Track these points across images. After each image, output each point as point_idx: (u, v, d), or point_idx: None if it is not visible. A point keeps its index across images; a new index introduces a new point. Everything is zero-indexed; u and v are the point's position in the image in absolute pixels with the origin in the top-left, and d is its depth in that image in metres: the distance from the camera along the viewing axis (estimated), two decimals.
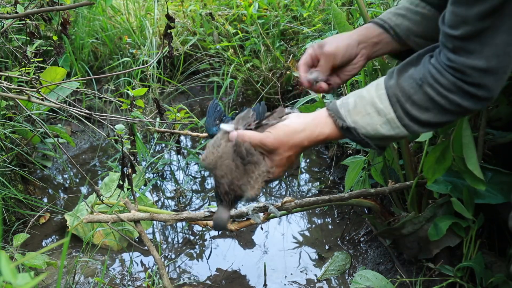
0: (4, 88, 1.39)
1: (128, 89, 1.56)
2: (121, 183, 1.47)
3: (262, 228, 1.78)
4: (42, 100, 1.40)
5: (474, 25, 0.72)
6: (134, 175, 1.54)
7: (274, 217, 1.32)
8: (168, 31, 1.37)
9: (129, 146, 1.44)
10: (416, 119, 0.78)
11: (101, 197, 1.48)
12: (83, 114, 1.41)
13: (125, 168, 1.44)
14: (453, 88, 0.75)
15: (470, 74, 0.74)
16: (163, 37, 1.39)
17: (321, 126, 0.86)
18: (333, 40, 1.00)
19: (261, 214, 1.32)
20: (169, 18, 1.35)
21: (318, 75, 1.00)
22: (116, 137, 1.40)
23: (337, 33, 1.89)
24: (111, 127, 1.44)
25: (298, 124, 0.87)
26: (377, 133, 0.82)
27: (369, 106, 0.82)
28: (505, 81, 0.76)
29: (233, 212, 1.30)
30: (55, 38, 1.56)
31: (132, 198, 1.45)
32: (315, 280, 1.54)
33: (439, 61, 0.77)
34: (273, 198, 1.99)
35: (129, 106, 1.47)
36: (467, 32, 0.73)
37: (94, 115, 1.41)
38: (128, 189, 1.49)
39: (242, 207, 1.32)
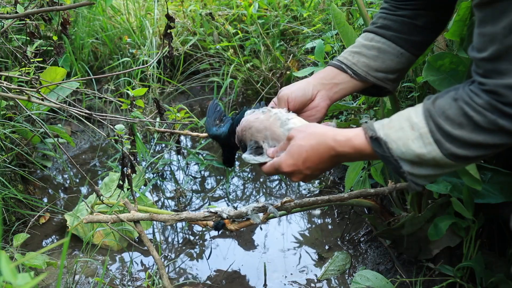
0: (4, 88, 1.39)
1: (128, 89, 1.56)
2: (121, 183, 1.47)
3: (261, 228, 1.78)
4: (42, 100, 1.40)
5: (502, 42, 0.69)
6: (134, 175, 1.54)
7: (273, 217, 1.32)
8: (168, 31, 1.37)
9: (129, 146, 1.44)
10: (448, 134, 0.73)
11: (101, 197, 1.48)
12: (83, 114, 1.41)
13: (125, 168, 1.44)
14: (489, 107, 0.70)
15: (504, 94, 0.69)
16: (163, 37, 1.39)
17: (352, 134, 0.83)
18: (289, 85, 1.02)
19: (261, 214, 1.32)
20: (169, 18, 1.35)
21: None
22: (116, 137, 1.40)
23: (337, 33, 1.89)
24: (111, 127, 1.44)
25: (327, 128, 0.88)
26: (408, 149, 0.76)
27: (403, 120, 0.78)
28: None
29: (232, 212, 1.30)
30: (55, 38, 1.56)
31: (132, 198, 1.46)
32: (315, 280, 1.54)
33: (474, 86, 0.74)
34: (272, 198, 2.00)
35: (129, 106, 1.47)
36: (496, 51, 0.70)
37: (94, 115, 1.41)
38: (128, 189, 1.49)
39: (241, 207, 1.33)
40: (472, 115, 0.71)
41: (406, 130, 0.76)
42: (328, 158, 0.86)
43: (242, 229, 1.42)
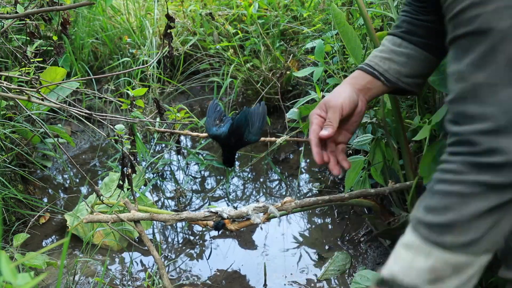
0: (4, 88, 1.39)
1: (128, 89, 1.57)
2: (121, 183, 1.47)
3: (261, 228, 1.78)
4: (42, 100, 1.40)
5: (468, 79, 0.64)
6: (134, 175, 1.54)
7: (274, 217, 1.32)
8: (168, 31, 1.37)
9: (129, 146, 1.44)
10: (440, 226, 0.64)
11: (101, 197, 1.48)
12: (83, 114, 1.41)
13: (125, 168, 1.44)
14: (464, 168, 0.63)
15: (478, 142, 0.62)
16: (163, 37, 1.39)
17: None
18: (335, 94, 1.00)
19: (261, 214, 1.32)
20: (169, 18, 1.35)
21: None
22: (116, 137, 1.40)
23: (337, 33, 1.89)
24: (111, 127, 1.44)
25: None
26: (416, 271, 0.65)
27: (398, 247, 0.69)
28: None
29: (233, 212, 1.30)
30: (55, 38, 1.56)
31: (132, 198, 1.46)
32: (315, 280, 1.54)
33: (443, 158, 0.67)
34: (273, 198, 1.99)
35: (129, 106, 1.47)
36: (462, 90, 0.65)
37: (94, 115, 1.41)
38: (128, 189, 1.49)
39: (242, 207, 1.32)
40: (452, 190, 0.64)
41: (403, 255, 0.68)
42: None
43: (242, 229, 1.42)
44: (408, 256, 0.66)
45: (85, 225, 1.69)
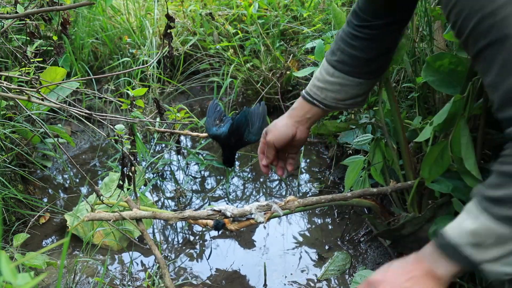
0: (4, 88, 1.39)
1: (128, 89, 1.57)
2: (121, 183, 1.47)
3: (265, 227, 1.78)
4: (42, 100, 1.40)
5: (501, 87, 0.68)
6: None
7: (276, 216, 1.32)
8: (168, 31, 1.37)
9: (129, 146, 1.44)
10: (492, 199, 0.71)
11: (101, 197, 1.48)
12: (83, 114, 1.41)
13: (125, 168, 1.44)
14: None
15: None
16: (163, 37, 1.39)
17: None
18: (272, 128, 1.16)
19: (264, 213, 1.31)
20: (169, 18, 1.35)
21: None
22: (116, 137, 1.40)
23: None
24: (111, 127, 1.44)
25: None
26: (462, 230, 0.74)
27: (463, 212, 0.77)
28: None
29: (236, 211, 1.30)
30: (55, 38, 1.56)
31: (133, 197, 1.46)
32: (315, 280, 1.54)
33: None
34: (273, 198, 1.99)
35: (129, 106, 1.47)
36: (501, 98, 0.69)
37: (94, 115, 1.41)
38: (128, 189, 1.49)
39: (245, 206, 1.32)
40: (506, 170, 0.69)
41: (461, 217, 0.76)
42: (407, 264, 0.84)
43: (242, 229, 1.42)
44: (462, 217, 0.75)
45: (85, 225, 1.69)
